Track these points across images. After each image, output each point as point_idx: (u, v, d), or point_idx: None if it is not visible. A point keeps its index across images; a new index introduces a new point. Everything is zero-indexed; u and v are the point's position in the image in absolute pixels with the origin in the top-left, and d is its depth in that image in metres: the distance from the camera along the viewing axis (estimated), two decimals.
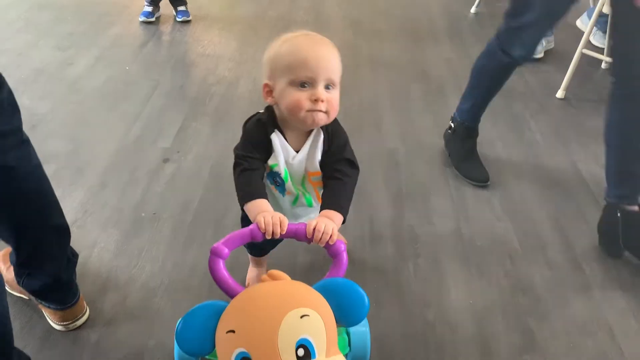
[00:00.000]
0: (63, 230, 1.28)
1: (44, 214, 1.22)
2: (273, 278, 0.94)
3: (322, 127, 1.14)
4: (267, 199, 1.09)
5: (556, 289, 1.54)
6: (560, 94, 2.53)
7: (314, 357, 0.84)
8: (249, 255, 1.46)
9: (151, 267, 1.52)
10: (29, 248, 1.22)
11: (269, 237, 1.02)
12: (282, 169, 1.16)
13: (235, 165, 1.13)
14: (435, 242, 1.68)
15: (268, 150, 1.14)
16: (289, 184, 1.19)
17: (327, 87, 1.08)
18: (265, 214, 1.03)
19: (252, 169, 1.11)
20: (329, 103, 1.08)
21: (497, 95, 1.97)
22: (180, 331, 0.90)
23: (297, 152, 1.16)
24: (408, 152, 2.09)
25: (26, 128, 1.17)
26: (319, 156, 1.16)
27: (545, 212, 1.83)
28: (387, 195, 1.85)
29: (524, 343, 1.38)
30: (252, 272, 1.48)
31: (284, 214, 1.05)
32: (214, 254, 0.99)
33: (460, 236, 1.71)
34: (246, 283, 1.47)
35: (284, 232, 1.02)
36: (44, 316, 1.34)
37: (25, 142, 1.15)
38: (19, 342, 1.22)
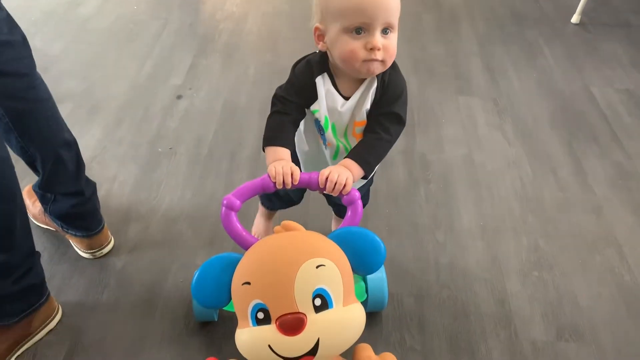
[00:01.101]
0: (72, 143, 1.30)
1: (57, 128, 1.26)
2: (287, 229, 0.92)
3: (378, 75, 1.04)
4: (289, 147, 1.04)
5: (566, 209, 1.57)
6: (575, 18, 2.48)
7: (331, 306, 0.84)
8: (259, 205, 1.42)
9: (170, 198, 1.57)
10: (49, 166, 1.26)
11: (280, 187, 0.99)
12: (322, 115, 1.07)
13: (272, 105, 1.08)
14: (447, 168, 1.70)
15: (313, 94, 1.06)
16: (329, 133, 1.11)
17: (384, 32, 0.97)
18: (277, 163, 0.99)
19: (284, 112, 1.06)
20: (386, 50, 0.98)
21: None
22: (195, 285, 0.90)
23: (347, 99, 1.06)
24: (420, 81, 2.09)
25: (40, 69, 1.19)
26: (368, 105, 1.06)
27: (558, 136, 1.83)
28: None
29: (533, 260, 1.42)
30: (258, 225, 1.44)
31: (324, 168, 1.00)
32: (226, 206, 0.97)
33: (472, 162, 1.73)
34: (253, 233, 1.43)
35: (295, 182, 0.98)
36: (72, 246, 1.41)
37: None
38: (48, 271, 1.29)
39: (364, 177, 1.05)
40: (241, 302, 0.86)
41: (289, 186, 0.98)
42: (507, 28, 2.44)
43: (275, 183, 0.98)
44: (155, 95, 1.97)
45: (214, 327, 1.23)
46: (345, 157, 1.03)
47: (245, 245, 0.96)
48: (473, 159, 1.74)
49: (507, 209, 1.57)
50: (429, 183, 1.64)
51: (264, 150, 1.05)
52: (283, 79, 1.08)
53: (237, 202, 0.97)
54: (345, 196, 1.00)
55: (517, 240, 1.47)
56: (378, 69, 1.00)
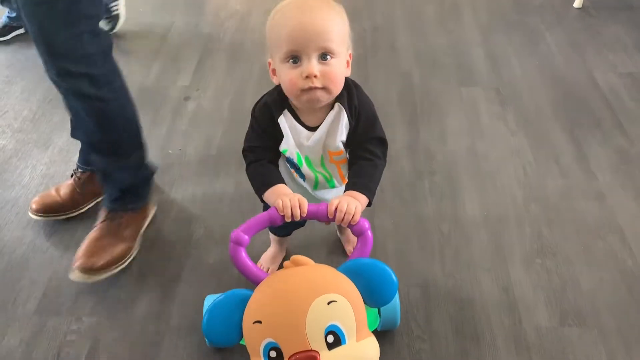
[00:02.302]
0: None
1: None
2: (296, 264, 0.90)
3: (342, 102, 1.02)
4: (283, 182, 1.04)
5: (569, 196, 1.60)
6: (577, 3, 2.48)
7: (344, 342, 0.83)
8: (270, 235, 1.39)
9: (182, 198, 1.62)
10: None
11: (288, 220, 0.98)
12: (293, 153, 1.07)
13: (245, 159, 1.08)
14: (450, 159, 1.73)
15: (279, 134, 1.05)
16: (304, 167, 1.10)
17: (322, 57, 0.95)
18: (284, 196, 0.98)
19: (258, 159, 1.06)
20: (326, 77, 0.95)
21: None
22: (206, 324, 0.90)
23: (314, 130, 1.05)
24: (422, 73, 2.11)
25: None
26: (342, 136, 1.05)
27: (560, 124, 1.85)
28: (403, 116, 1.89)
29: (536, 248, 1.45)
30: (268, 252, 1.41)
31: (310, 200, 1.00)
32: (234, 242, 0.96)
33: (475, 152, 1.75)
34: (258, 263, 1.39)
35: (304, 214, 0.97)
36: None
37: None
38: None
39: (367, 205, 1.03)
40: (253, 341, 0.85)
41: (297, 218, 0.98)
42: (509, 16, 2.45)
43: (283, 216, 0.97)
44: (164, 97, 2.02)
45: None
46: (345, 190, 1.03)
47: (256, 281, 0.96)
48: (476, 149, 1.77)
49: (511, 198, 1.60)
50: (433, 175, 1.68)
51: (262, 201, 1.05)
52: None
53: (245, 237, 0.97)
54: (354, 226, 0.98)
55: (520, 228, 1.50)
56: (322, 97, 0.98)
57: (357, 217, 0.98)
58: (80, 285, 1.36)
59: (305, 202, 0.98)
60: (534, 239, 1.48)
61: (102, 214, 1.43)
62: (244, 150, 1.09)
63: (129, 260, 1.40)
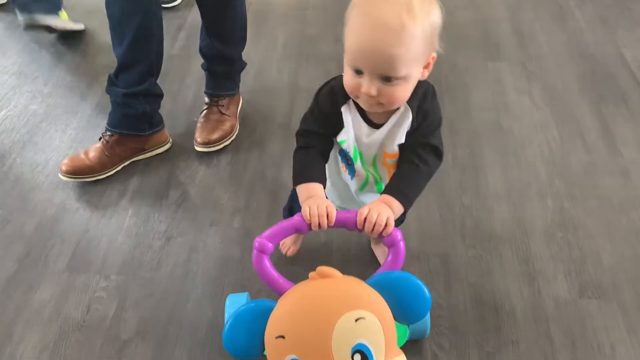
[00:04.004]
0: None
1: None
2: (322, 275, 0.84)
3: (412, 103, 0.96)
4: (321, 181, 0.99)
5: (593, 172, 1.59)
6: None
7: None
8: None
9: (206, 165, 1.64)
10: None
11: (314, 229, 0.92)
12: (351, 146, 1.01)
13: (296, 141, 1.03)
14: (474, 133, 1.73)
15: (339, 123, 0.99)
16: (358, 164, 1.05)
17: (386, 80, 0.87)
18: (312, 201, 0.93)
19: (308, 146, 1.01)
20: (385, 97, 0.89)
21: None
22: (227, 335, 0.85)
23: (378, 128, 0.99)
24: (448, 47, 2.08)
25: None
26: (402, 137, 0.98)
27: (586, 100, 1.84)
28: None
29: (558, 222, 1.45)
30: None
31: (349, 201, 0.98)
32: (258, 249, 0.92)
33: (499, 127, 1.75)
34: (280, 244, 1.38)
35: (331, 224, 0.92)
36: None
37: None
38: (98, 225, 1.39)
39: (403, 213, 0.97)
40: (276, 356, 0.80)
41: (324, 228, 0.92)
42: None
43: (309, 224, 0.92)
44: (189, 66, 2.04)
45: None
46: (382, 193, 0.97)
47: (280, 291, 0.91)
48: (501, 124, 1.76)
49: (534, 172, 1.60)
50: (457, 148, 1.68)
51: (294, 187, 1.00)
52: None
53: (269, 245, 0.92)
54: (385, 237, 0.93)
55: (542, 202, 1.51)
56: (380, 109, 0.93)
57: (390, 229, 0.91)
58: (108, 246, 1.41)
59: (333, 211, 0.92)
60: (556, 213, 1.48)
61: (205, 101, 1.72)
62: (297, 133, 1.03)
63: (235, 135, 1.69)
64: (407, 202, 0.96)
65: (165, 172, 1.61)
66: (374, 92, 0.88)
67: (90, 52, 2.08)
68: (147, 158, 1.64)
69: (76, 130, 1.74)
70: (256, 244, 0.92)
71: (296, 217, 0.93)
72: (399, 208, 0.94)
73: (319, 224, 0.91)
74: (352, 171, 1.08)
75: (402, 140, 0.98)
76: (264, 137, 1.72)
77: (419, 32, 0.85)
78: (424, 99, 0.97)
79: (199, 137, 1.64)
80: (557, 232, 1.43)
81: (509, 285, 1.31)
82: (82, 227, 1.46)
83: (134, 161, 1.62)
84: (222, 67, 1.70)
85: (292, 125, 1.74)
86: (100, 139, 1.58)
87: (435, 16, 0.89)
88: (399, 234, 0.92)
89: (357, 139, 1.01)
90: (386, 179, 1.06)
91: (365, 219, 0.91)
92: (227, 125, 1.67)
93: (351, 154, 1.03)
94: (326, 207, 0.91)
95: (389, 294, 0.84)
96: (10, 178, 1.59)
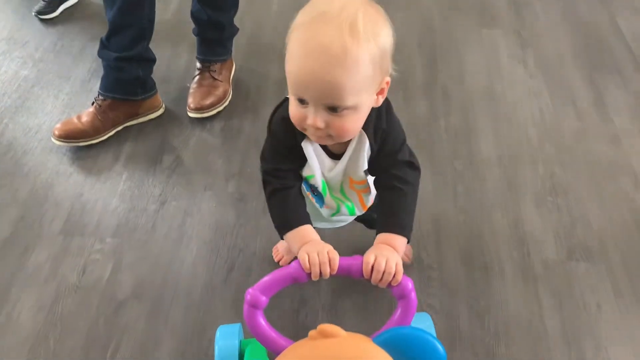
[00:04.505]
0: None
1: None
2: (324, 335, 0.73)
3: (367, 126, 0.88)
4: (309, 221, 0.90)
5: (584, 138, 1.61)
6: None
7: None
8: None
9: (200, 129, 1.64)
10: None
11: (315, 278, 0.82)
12: (319, 181, 0.95)
13: (265, 184, 0.93)
14: (467, 99, 1.73)
15: (301, 156, 0.91)
16: (328, 197, 0.99)
17: (332, 110, 0.78)
18: (310, 248, 0.83)
19: (284, 187, 0.91)
20: (334, 129, 0.80)
21: None
22: None
23: (339, 158, 0.93)
24: (443, 14, 2.09)
25: None
26: (364, 164, 0.92)
27: (580, 68, 1.84)
28: (422, 57, 1.88)
29: (549, 186, 1.47)
30: (283, 242, 1.28)
31: (323, 222, 0.93)
32: (250, 304, 0.81)
33: (492, 93, 1.75)
34: (273, 250, 1.31)
35: (334, 272, 0.82)
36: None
37: None
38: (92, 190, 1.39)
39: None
40: None
41: (326, 277, 0.83)
42: None
43: (309, 274, 0.82)
44: (182, 31, 2.01)
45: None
46: (377, 232, 0.89)
47: (276, 350, 0.82)
48: (494, 90, 1.77)
49: (526, 138, 1.61)
50: (449, 115, 1.68)
51: (282, 238, 0.92)
52: None
53: (263, 299, 0.81)
54: (394, 287, 0.82)
55: (533, 168, 1.52)
56: (329, 141, 0.86)
57: (399, 277, 0.81)
58: (103, 209, 1.41)
59: (336, 258, 0.82)
60: (547, 178, 1.49)
61: (197, 67, 1.71)
62: (264, 173, 0.93)
63: (228, 100, 1.69)
64: (406, 232, 0.89)
65: (159, 137, 1.61)
66: (320, 124, 0.79)
67: (82, 16, 2.06)
68: (141, 123, 1.64)
69: (69, 95, 1.73)
70: (248, 296, 0.81)
71: (294, 265, 0.83)
72: (402, 244, 0.87)
73: (320, 272, 0.82)
74: (320, 200, 1.02)
75: (365, 167, 0.93)
76: (257, 102, 1.72)
77: (365, 56, 0.76)
78: (378, 119, 0.89)
79: (191, 102, 1.63)
80: (547, 197, 1.45)
81: (499, 248, 1.33)
82: (77, 191, 1.46)
83: (127, 126, 1.62)
84: (214, 32, 1.68)
85: (286, 90, 1.73)
86: (93, 103, 1.58)
87: (384, 37, 0.79)
88: (409, 283, 0.82)
89: (324, 173, 0.95)
90: (357, 204, 1.02)
91: (372, 267, 0.81)
92: (219, 91, 1.67)
93: (320, 189, 0.97)
94: (328, 254, 0.82)
95: (399, 353, 0.74)
96: (2, 143, 1.59)
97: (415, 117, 1.67)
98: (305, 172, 0.94)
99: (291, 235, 0.89)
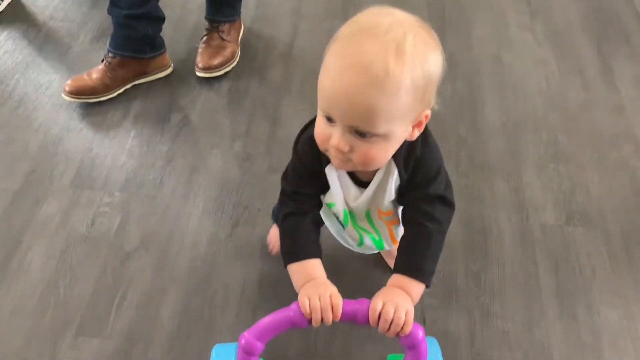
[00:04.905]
0: None
1: None
2: None
3: (397, 154, 0.79)
4: (318, 255, 0.84)
5: (589, 107, 1.61)
6: None
7: None
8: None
9: (208, 90, 1.66)
10: None
11: (316, 325, 0.76)
12: (340, 210, 0.90)
13: (280, 205, 0.89)
14: (474, 67, 1.74)
15: (325, 181, 0.86)
16: (349, 227, 0.94)
17: (360, 134, 0.71)
18: (312, 289, 0.76)
19: (299, 212, 0.85)
20: (359, 155, 0.73)
21: None
22: None
23: (365, 186, 0.86)
24: None
25: None
26: (391, 194, 0.85)
27: (588, 37, 1.84)
28: (430, 24, 1.87)
29: (551, 154, 1.49)
30: (274, 230, 1.24)
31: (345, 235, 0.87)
32: (244, 350, 0.76)
33: (500, 61, 1.76)
34: (267, 240, 1.25)
35: (337, 319, 0.75)
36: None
37: None
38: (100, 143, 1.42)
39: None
40: None
41: (328, 323, 0.76)
42: None
43: (310, 319, 0.76)
44: None
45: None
46: (394, 272, 0.81)
47: None
48: (501, 58, 1.77)
49: (531, 106, 1.62)
50: (455, 81, 1.69)
51: (285, 267, 0.85)
52: None
53: (258, 345, 0.76)
54: (403, 337, 0.75)
55: (537, 135, 1.54)
56: (353, 169, 0.79)
57: (408, 327, 0.74)
58: (111, 164, 1.44)
59: (339, 302, 0.75)
60: (550, 145, 1.51)
61: (206, 27, 1.71)
62: (282, 193, 0.88)
63: (236, 61, 1.70)
64: (426, 278, 0.80)
65: (167, 96, 1.63)
66: (344, 146, 0.71)
67: None
68: (149, 82, 1.66)
69: (79, 52, 1.75)
70: (242, 341, 0.76)
71: (293, 307, 0.76)
72: (418, 290, 0.79)
73: (322, 318, 0.75)
74: (342, 227, 0.95)
75: (393, 197, 0.86)
76: (264, 64, 1.73)
77: (408, 81, 0.68)
78: (412, 147, 0.81)
79: (200, 62, 1.65)
80: (549, 164, 1.46)
81: (499, 212, 1.36)
82: (86, 146, 1.49)
83: (136, 84, 1.64)
84: None
85: (294, 53, 1.75)
86: (103, 60, 1.59)
87: (433, 64, 0.71)
88: (419, 332, 0.75)
89: (346, 202, 0.89)
90: (386, 236, 0.94)
91: (379, 315, 0.74)
92: (228, 51, 1.68)
93: (341, 218, 0.91)
94: (330, 298, 0.75)
95: None
96: (14, 98, 1.61)
97: None
98: (327, 199, 0.89)
99: (295, 268, 0.83)
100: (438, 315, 1.16)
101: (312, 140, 0.79)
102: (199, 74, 1.65)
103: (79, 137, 1.51)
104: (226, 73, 1.68)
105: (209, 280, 1.22)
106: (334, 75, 0.69)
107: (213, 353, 0.91)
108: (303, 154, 0.85)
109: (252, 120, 1.57)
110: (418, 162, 0.82)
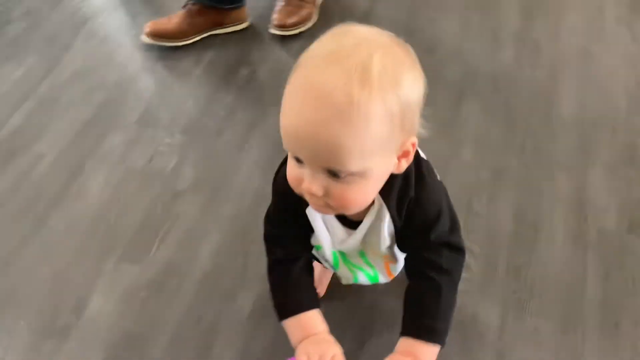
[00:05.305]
0: None
1: None
2: None
3: (389, 194, 0.71)
4: (315, 305, 0.77)
5: None
6: None
7: None
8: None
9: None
10: None
11: None
12: (328, 253, 0.82)
13: (267, 252, 0.82)
14: (558, 57, 1.64)
15: (309, 222, 0.77)
16: (341, 267, 0.86)
17: (333, 175, 0.62)
18: (311, 348, 0.71)
19: (287, 260, 0.79)
20: (335, 199, 0.64)
21: None
22: None
23: (355, 227, 0.77)
24: None
25: None
26: (386, 241, 0.77)
27: None
28: (518, 5, 1.79)
29: (626, 158, 1.38)
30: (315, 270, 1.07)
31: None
32: None
33: (587, 54, 1.64)
34: None
35: None
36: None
37: None
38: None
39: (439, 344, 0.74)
40: None
41: None
42: None
43: None
44: None
45: None
46: (400, 334, 0.74)
47: None
48: (590, 51, 1.65)
49: (613, 106, 1.51)
50: (535, 69, 1.60)
51: (280, 322, 0.79)
52: None
53: None
54: None
55: (614, 135, 1.43)
56: (329, 212, 0.69)
57: None
58: (177, 107, 1.50)
59: None
60: (626, 148, 1.41)
61: None
62: (266, 239, 0.82)
63: (312, 23, 1.70)
64: (439, 337, 0.73)
65: (240, 49, 1.66)
66: (317, 190, 0.62)
67: None
68: (225, 34, 1.69)
69: None
70: None
71: None
72: (430, 354, 0.73)
73: None
74: (332, 267, 0.89)
75: (387, 244, 0.77)
76: None
77: (379, 109, 0.57)
78: (405, 186, 0.71)
79: (275, 19, 1.66)
80: (620, 167, 1.36)
81: (556, 208, 1.28)
82: (157, 87, 1.55)
83: (211, 35, 1.68)
84: None
85: (371, 21, 1.71)
86: (184, 6, 1.64)
87: (408, 87, 0.60)
88: None
89: (333, 244, 0.81)
90: (382, 270, 0.86)
91: None
92: (304, 12, 1.68)
93: (330, 262, 0.84)
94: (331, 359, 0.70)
95: None
96: (99, 34, 1.71)
97: (496, 64, 1.61)
98: (314, 242, 0.81)
99: (290, 323, 0.76)
100: (469, 300, 1.12)
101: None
102: (273, 31, 1.66)
103: (152, 78, 1.58)
104: (300, 33, 1.69)
105: (249, 231, 1.24)
106: (292, 111, 0.60)
107: None
108: (281, 194, 0.76)
109: None
110: (413, 204, 0.72)
